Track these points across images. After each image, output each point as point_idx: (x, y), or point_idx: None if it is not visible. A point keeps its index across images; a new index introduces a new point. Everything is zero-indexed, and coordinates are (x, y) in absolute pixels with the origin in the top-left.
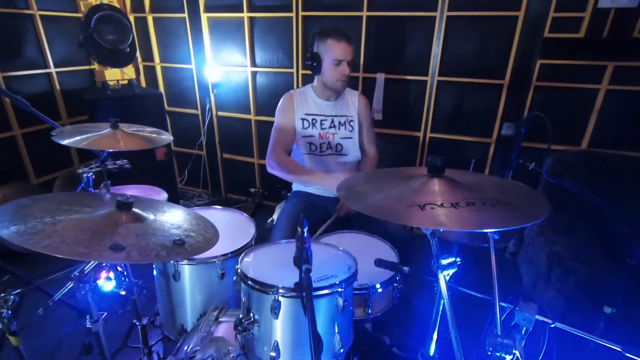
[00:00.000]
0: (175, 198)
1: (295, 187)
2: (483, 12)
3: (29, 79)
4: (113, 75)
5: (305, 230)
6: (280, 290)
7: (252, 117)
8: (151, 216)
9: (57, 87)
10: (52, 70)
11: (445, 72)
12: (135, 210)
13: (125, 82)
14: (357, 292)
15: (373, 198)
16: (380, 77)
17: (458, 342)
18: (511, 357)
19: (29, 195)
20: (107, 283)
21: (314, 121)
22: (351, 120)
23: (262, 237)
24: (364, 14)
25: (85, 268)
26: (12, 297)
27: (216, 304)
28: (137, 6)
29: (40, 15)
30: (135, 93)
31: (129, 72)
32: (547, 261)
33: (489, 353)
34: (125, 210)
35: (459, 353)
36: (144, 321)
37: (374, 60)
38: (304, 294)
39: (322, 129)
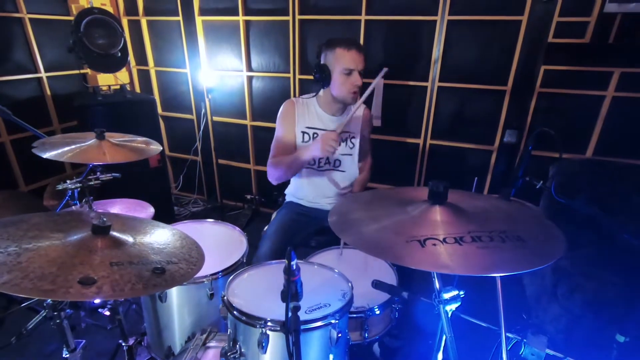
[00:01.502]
0: (169, 205)
1: (288, 197)
2: (485, 17)
3: (18, 83)
4: (106, 80)
5: (294, 262)
6: (269, 324)
7: (248, 122)
8: (130, 239)
9: (48, 92)
10: (43, 74)
11: (446, 78)
12: (113, 233)
13: (118, 87)
14: (354, 315)
15: (367, 229)
16: (380, 83)
17: None
18: None
19: (19, 203)
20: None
21: (315, 135)
22: (353, 137)
23: (257, 245)
24: (363, 17)
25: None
26: None
27: (204, 326)
28: (131, 9)
29: (30, 19)
30: (127, 99)
31: (122, 76)
32: (552, 276)
33: None
34: (101, 234)
35: None
36: (130, 341)
37: (373, 66)
38: (289, 336)
39: None
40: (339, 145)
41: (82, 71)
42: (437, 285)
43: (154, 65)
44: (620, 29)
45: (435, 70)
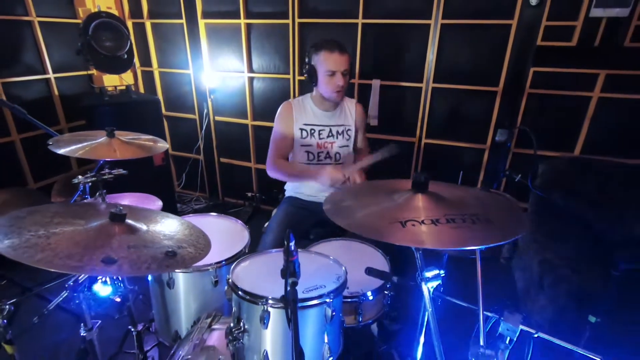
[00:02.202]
0: (172, 202)
1: (288, 192)
2: (477, 20)
3: (27, 84)
4: (111, 81)
5: (292, 243)
6: (270, 301)
7: (249, 122)
8: (144, 227)
9: (56, 92)
10: (51, 75)
11: (440, 79)
12: (128, 221)
13: (123, 87)
14: (348, 300)
15: (357, 214)
16: (376, 84)
17: (441, 352)
18: None
19: (28, 200)
20: (103, 288)
21: (312, 131)
22: (348, 129)
23: (259, 241)
24: (360, 21)
25: (80, 278)
26: (7, 306)
27: (209, 311)
28: (136, 12)
29: (39, 22)
30: (133, 99)
31: (127, 77)
32: (539, 268)
33: None
34: (118, 222)
35: None
36: (139, 327)
37: (369, 67)
38: (288, 307)
39: (320, 138)
40: (343, 179)
41: (88, 72)
42: (419, 264)
43: (158, 67)
44: (605, 33)
45: (429, 71)
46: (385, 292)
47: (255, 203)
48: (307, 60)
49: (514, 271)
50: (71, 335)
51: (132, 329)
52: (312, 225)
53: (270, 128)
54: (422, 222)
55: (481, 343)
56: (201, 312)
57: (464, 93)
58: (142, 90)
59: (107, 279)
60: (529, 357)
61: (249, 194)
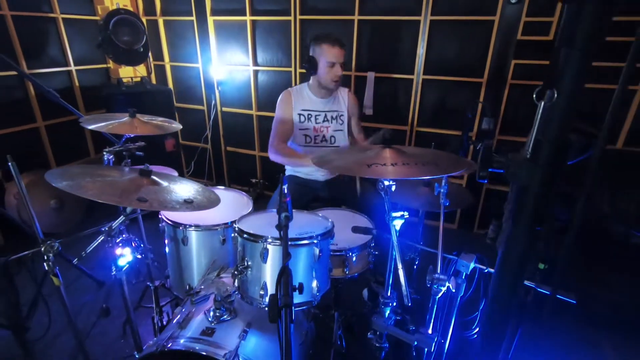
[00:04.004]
0: None
1: (288, 171)
2: (463, 17)
3: (51, 75)
4: (126, 73)
5: (285, 187)
6: (269, 240)
7: (253, 112)
8: (166, 183)
9: (76, 83)
10: (72, 68)
11: (430, 71)
12: (154, 177)
13: (138, 79)
14: (336, 253)
15: (336, 162)
16: (371, 76)
17: (405, 280)
18: (445, 288)
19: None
20: (121, 259)
21: (310, 116)
22: (341, 115)
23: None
24: (356, 17)
25: (113, 225)
26: (56, 244)
27: (217, 266)
28: (149, 10)
29: (63, 18)
30: (147, 89)
31: (141, 70)
32: None
33: (428, 285)
34: (146, 176)
35: (406, 288)
36: (156, 283)
37: (364, 60)
38: (281, 230)
39: (316, 122)
40: None
41: (106, 65)
42: (387, 206)
43: (169, 61)
44: None
45: (419, 64)
46: (370, 250)
47: (259, 189)
48: (308, 50)
49: (497, 249)
50: (94, 298)
51: (150, 285)
52: (309, 200)
53: (274, 118)
54: (384, 164)
55: (437, 271)
56: (210, 267)
57: (452, 84)
58: (154, 82)
59: (126, 250)
60: (474, 285)
61: (253, 180)
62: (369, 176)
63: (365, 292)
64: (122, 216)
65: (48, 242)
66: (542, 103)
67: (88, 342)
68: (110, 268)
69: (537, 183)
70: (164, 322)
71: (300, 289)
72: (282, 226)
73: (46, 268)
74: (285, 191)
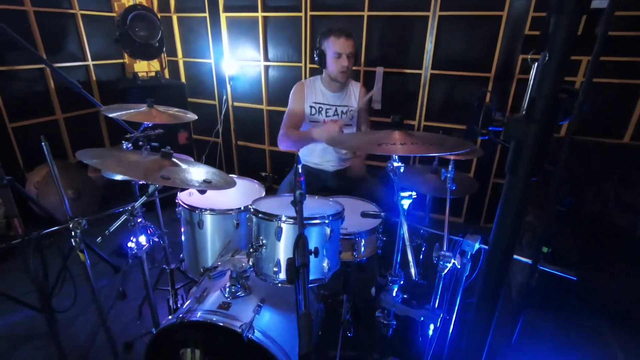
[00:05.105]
0: None
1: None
2: (471, 12)
3: (70, 70)
4: (141, 68)
5: (300, 166)
6: (282, 218)
7: (264, 107)
8: (185, 165)
9: (93, 77)
10: (90, 62)
11: (438, 66)
12: (174, 159)
13: (153, 74)
14: (346, 237)
15: (349, 142)
16: (380, 71)
17: (412, 255)
18: (450, 264)
19: (68, 172)
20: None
21: (320, 109)
22: (351, 110)
23: None
24: (365, 13)
25: (136, 204)
26: (84, 221)
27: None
28: (163, 6)
29: (81, 15)
30: (162, 83)
31: (155, 65)
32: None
33: (435, 262)
34: (167, 158)
35: (413, 264)
36: (172, 266)
37: (374, 55)
38: (296, 206)
39: (327, 116)
40: (342, 131)
41: (121, 60)
42: (396, 186)
43: (182, 56)
44: (587, 23)
45: (428, 59)
46: (378, 235)
47: (268, 183)
48: (317, 45)
49: None
50: (110, 283)
51: (167, 267)
52: (318, 189)
53: (284, 112)
54: (393, 144)
55: (444, 249)
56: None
57: (460, 79)
58: (167, 77)
59: (141, 238)
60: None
61: (263, 174)
62: (380, 153)
63: (372, 290)
64: (144, 196)
65: (76, 219)
66: (536, 64)
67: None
68: (125, 255)
69: (532, 137)
70: (179, 305)
71: (316, 252)
72: (298, 202)
73: (73, 244)
74: (300, 170)
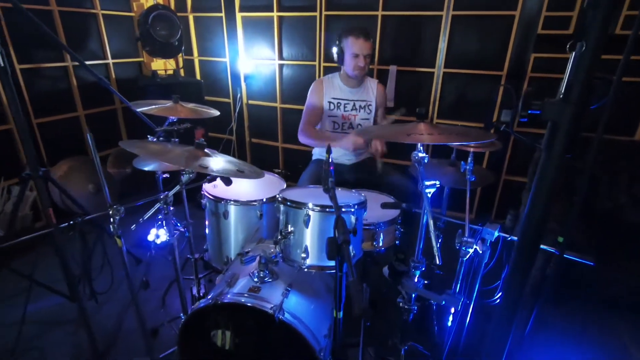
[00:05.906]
0: None
1: (315, 155)
2: (484, 12)
3: (91, 68)
4: (158, 67)
5: (331, 155)
6: (310, 206)
7: (278, 105)
8: (217, 157)
9: (113, 75)
10: (110, 61)
11: (451, 65)
12: (206, 150)
13: (171, 72)
14: (366, 227)
15: (378, 133)
16: (393, 69)
17: (437, 242)
18: (472, 250)
19: (88, 167)
20: (162, 234)
21: (339, 104)
22: (369, 105)
23: None
24: (379, 13)
25: (169, 193)
26: (122, 208)
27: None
28: (180, 6)
29: (102, 14)
30: (180, 81)
31: (171, 64)
32: None
33: (457, 247)
34: (200, 149)
35: (437, 250)
36: (196, 255)
37: (387, 54)
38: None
39: (345, 111)
40: (365, 145)
41: (140, 59)
42: (421, 176)
43: (198, 55)
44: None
45: (441, 58)
46: (397, 225)
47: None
48: (337, 42)
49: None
50: (132, 273)
51: (191, 257)
52: (336, 182)
53: (297, 110)
54: (421, 134)
55: (465, 235)
56: (248, 242)
57: (472, 77)
58: (183, 75)
59: (162, 231)
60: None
61: (276, 171)
62: (409, 142)
63: (385, 269)
64: (177, 185)
65: (115, 206)
66: (574, 53)
67: (131, 310)
68: (147, 248)
69: (567, 119)
70: (201, 294)
71: (355, 231)
72: (330, 188)
73: (111, 230)
74: (330, 160)
